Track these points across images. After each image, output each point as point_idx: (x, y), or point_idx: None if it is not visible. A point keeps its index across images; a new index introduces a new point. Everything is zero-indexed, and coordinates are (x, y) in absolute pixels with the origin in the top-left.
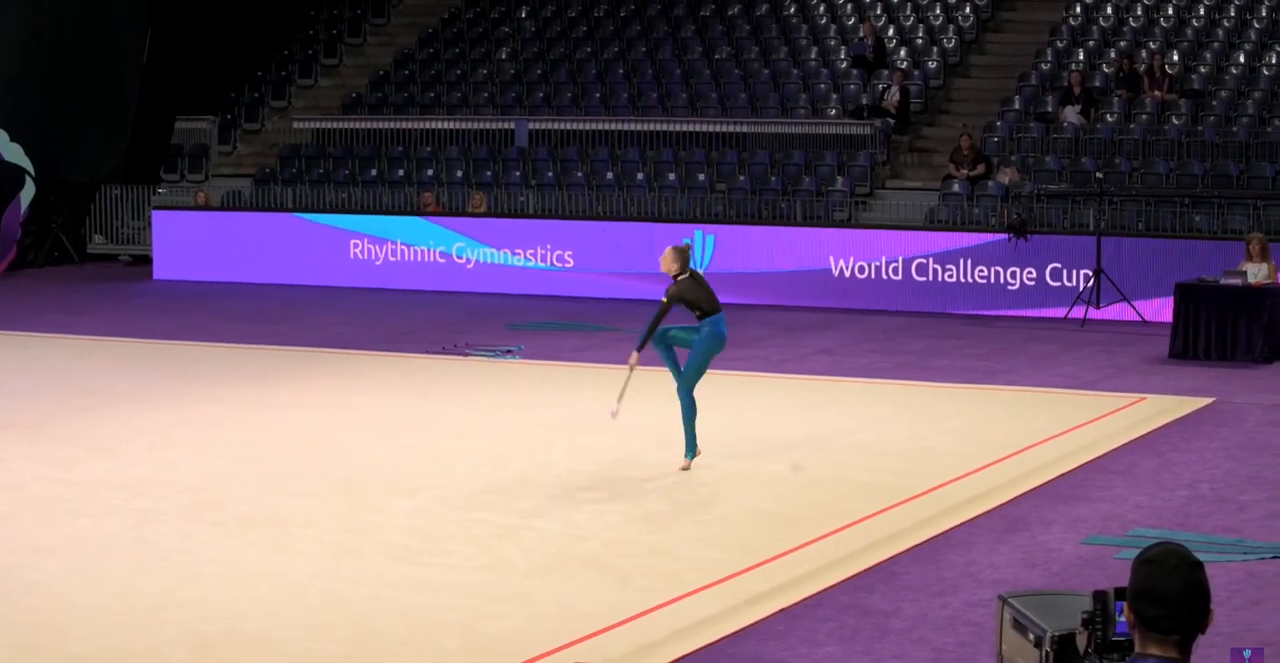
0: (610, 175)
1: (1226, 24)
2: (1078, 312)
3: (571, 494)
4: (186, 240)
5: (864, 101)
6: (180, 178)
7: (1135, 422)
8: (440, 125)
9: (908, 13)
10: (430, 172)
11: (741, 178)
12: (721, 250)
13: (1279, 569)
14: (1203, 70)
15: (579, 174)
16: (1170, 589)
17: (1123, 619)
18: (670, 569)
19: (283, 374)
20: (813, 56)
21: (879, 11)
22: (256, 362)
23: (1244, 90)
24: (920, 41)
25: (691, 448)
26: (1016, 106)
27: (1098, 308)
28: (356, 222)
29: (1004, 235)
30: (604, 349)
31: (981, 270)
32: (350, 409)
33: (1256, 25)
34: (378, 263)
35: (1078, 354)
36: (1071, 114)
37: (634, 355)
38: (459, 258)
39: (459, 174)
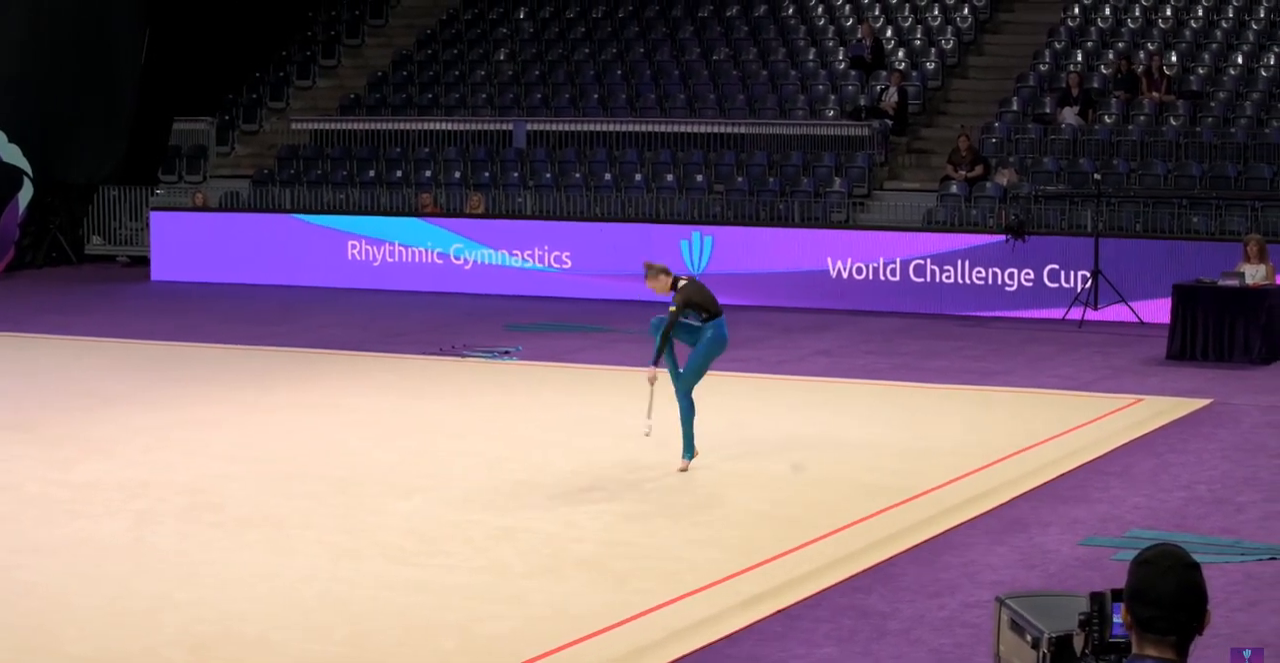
0: (608, 176)
1: (1224, 25)
2: (1075, 313)
3: (569, 496)
4: (184, 241)
5: (862, 103)
6: (178, 179)
7: (1133, 423)
8: (438, 126)
9: (906, 14)
10: (428, 173)
11: (739, 179)
12: (719, 251)
13: (1276, 570)
14: (1201, 72)
15: (577, 175)
16: (1166, 590)
17: (1119, 621)
18: (667, 570)
19: (280, 375)
20: (811, 58)
21: (877, 13)
22: (254, 363)
23: (1242, 91)
24: (918, 43)
25: (689, 449)
26: (1014, 108)
27: (1095, 309)
28: (354, 222)
29: (1002, 236)
30: (602, 350)
31: (979, 271)
32: (348, 410)
33: (1254, 27)
34: (375, 264)
35: (1075, 355)
36: (1069, 115)
37: (651, 370)
38: (457, 259)
39: (457, 175)
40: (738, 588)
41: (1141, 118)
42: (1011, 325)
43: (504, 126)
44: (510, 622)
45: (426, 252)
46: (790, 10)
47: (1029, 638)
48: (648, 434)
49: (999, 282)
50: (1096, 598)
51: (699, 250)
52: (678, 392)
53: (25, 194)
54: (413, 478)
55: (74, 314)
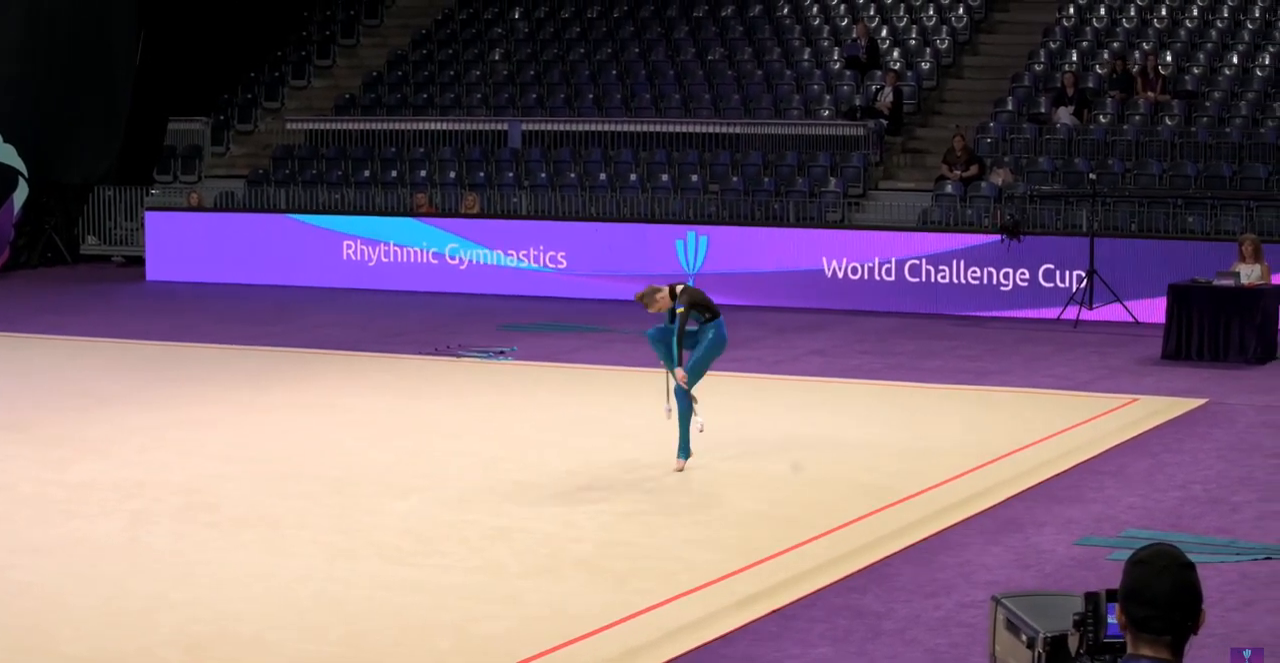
0: (603, 176)
1: (1220, 25)
2: (1071, 313)
3: (565, 495)
4: (179, 241)
5: (857, 102)
6: (173, 179)
7: (1128, 423)
8: (433, 126)
9: (901, 14)
10: (423, 172)
11: (734, 179)
12: (714, 251)
13: (1271, 570)
14: (1196, 71)
15: (572, 175)
16: (1161, 590)
17: (1114, 620)
18: (664, 570)
19: (276, 375)
20: (806, 57)
21: (872, 12)
22: (249, 363)
23: (1237, 91)
24: (913, 42)
25: (685, 449)
26: (1010, 107)
27: (1090, 309)
28: (349, 222)
29: (997, 236)
30: (597, 350)
31: (974, 271)
32: (343, 410)
33: (1250, 26)
34: (370, 264)
35: (1070, 355)
36: (1065, 115)
37: (679, 373)
38: (452, 259)
39: (452, 175)
40: (734, 588)
41: (1137, 118)
42: (1007, 325)
43: (499, 126)
44: (506, 622)
45: (422, 251)
46: (785, 10)
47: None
48: (669, 415)
49: (994, 281)
50: (1091, 598)
51: (694, 250)
52: (677, 392)
53: (20, 194)
54: (409, 478)
55: (69, 314)
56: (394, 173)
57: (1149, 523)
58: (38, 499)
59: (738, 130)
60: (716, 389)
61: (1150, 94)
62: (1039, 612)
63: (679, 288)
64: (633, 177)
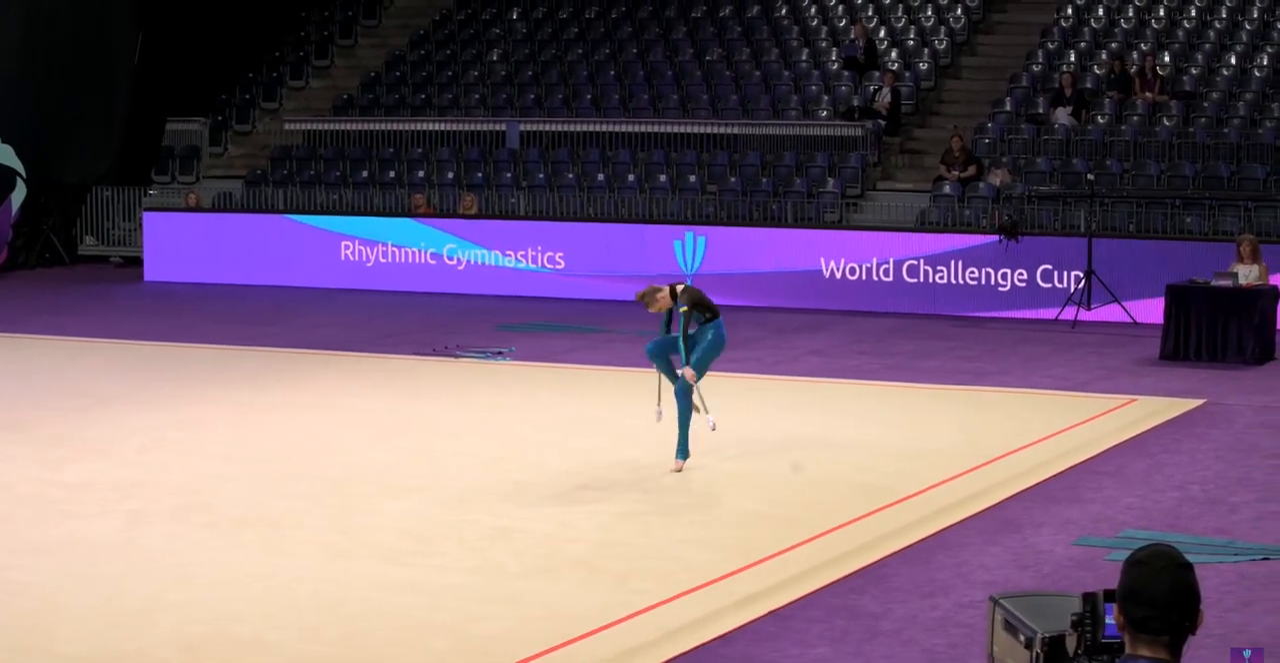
0: (601, 177)
1: (1218, 26)
2: (1069, 313)
3: (564, 496)
4: (177, 242)
5: (855, 103)
6: (171, 179)
7: (1126, 423)
8: (431, 127)
9: (899, 14)
10: (421, 173)
11: (732, 179)
12: (712, 252)
13: (1270, 571)
14: (1194, 72)
15: (570, 175)
16: (1159, 590)
17: (1112, 621)
18: (661, 571)
19: (274, 376)
20: (804, 58)
21: (870, 13)
22: (247, 363)
23: (1235, 92)
24: (911, 43)
25: (683, 450)
26: (1007, 108)
27: (1089, 309)
28: (347, 223)
29: (995, 237)
30: (595, 351)
31: (972, 272)
32: (341, 411)
33: (1248, 27)
34: (369, 264)
35: (1069, 356)
36: (1063, 115)
37: (688, 371)
38: (450, 259)
39: (450, 175)
40: (732, 588)
41: (1135, 118)
42: (1005, 326)
43: (497, 127)
44: (504, 622)
45: (420, 252)
46: (783, 10)
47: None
48: (660, 418)
49: (992, 282)
50: (1089, 599)
51: (692, 251)
52: (677, 392)
53: (18, 195)
54: (407, 478)
55: (67, 315)
56: (392, 173)
57: (1147, 523)
58: (36, 499)
59: (736, 131)
60: (715, 390)
61: (1148, 94)
62: (1037, 612)
63: (679, 288)
64: (631, 177)
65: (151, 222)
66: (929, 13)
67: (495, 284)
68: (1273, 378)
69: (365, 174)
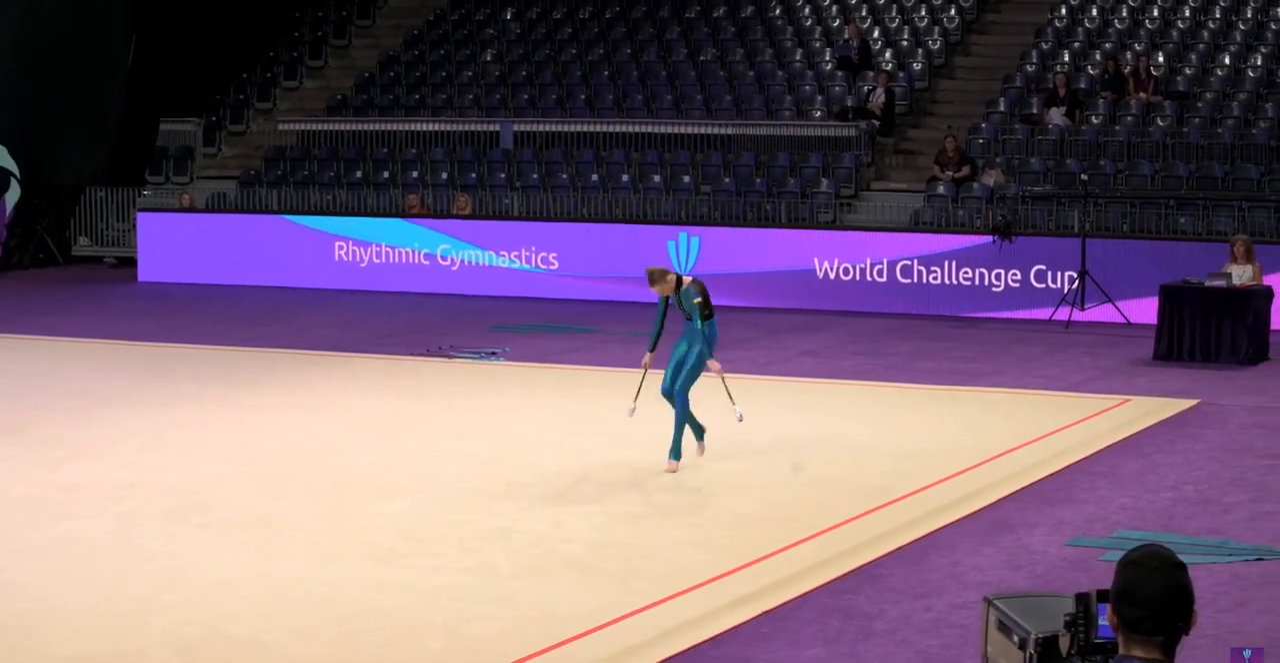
0: (595, 177)
1: (1212, 26)
2: (1062, 313)
3: (559, 496)
4: (171, 242)
5: (849, 103)
6: (165, 180)
7: (1120, 423)
8: (425, 127)
9: (893, 14)
10: (415, 173)
11: (726, 180)
12: (706, 252)
13: (1263, 571)
14: (1188, 72)
15: (564, 176)
16: (1152, 591)
17: (1105, 621)
18: (655, 571)
19: (268, 376)
20: (798, 58)
21: (864, 13)
22: (242, 364)
23: (1229, 92)
24: (905, 43)
25: (676, 451)
26: (1001, 108)
27: (1082, 310)
28: (341, 223)
29: (989, 237)
30: (589, 351)
31: (966, 272)
32: (336, 411)
33: (1242, 27)
34: (362, 265)
35: (1062, 356)
36: (1056, 116)
37: (714, 363)
38: (443, 260)
39: (444, 176)
40: (726, 589)
41: (1128, 118)
42: (999, 326)
43: (491, 127)
44: (498, 623)
45: (413, 252)
46: (777, 11)
47: (1016, 639)
48: (632, 414)
49: (986, 282)
50: (1082, 599)
51: (686, 251)
52: (679, 393)
53: (12, 195)
54: (403, 479)
55: (61, 315)
56: (386, 174)
57: (1141, 524)
58: (31, 500)
59: (730, 131)
60: (712, 390)
61: (1142, 95)
62: (1031, 613)
63: (686, 280)
64: (625, 177)
65: (145, 222)
66: (923, 13)
67: (489, 285)
68: (1266, 378)
69: (359, 174)
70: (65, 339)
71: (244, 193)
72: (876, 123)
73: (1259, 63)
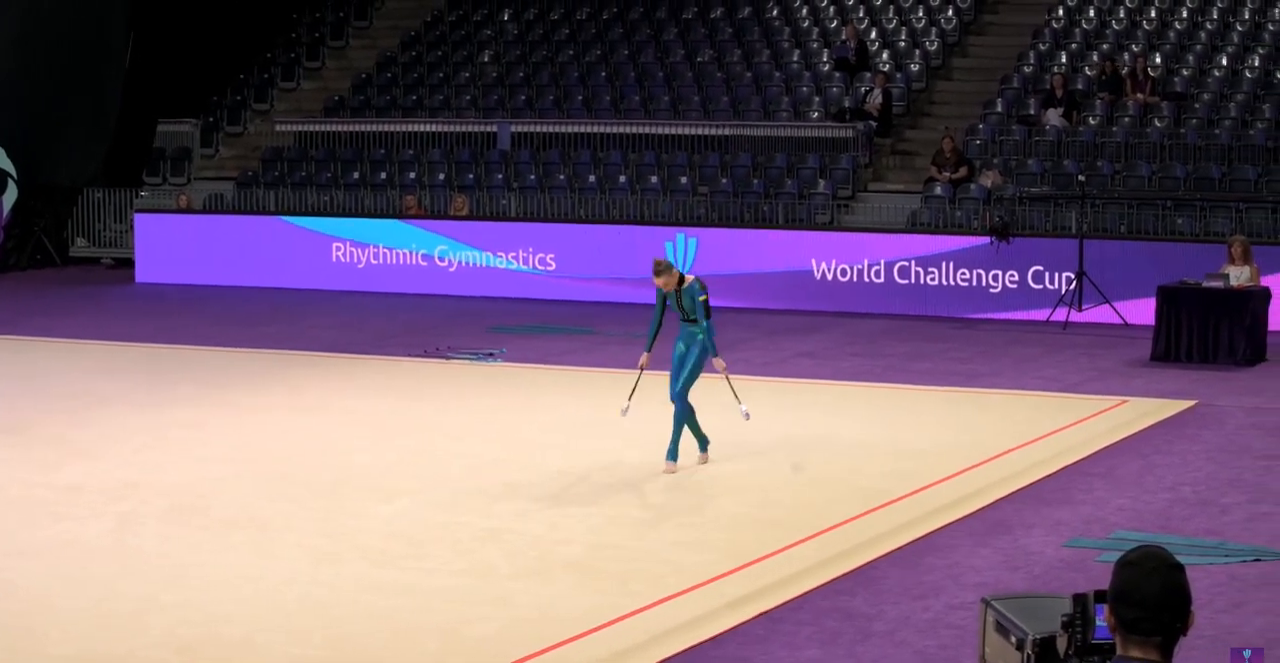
0: (592, 178)
1: (1209, 27)
2: (1060, 314)
3: (556, 498)
4: (169, 243)
5: (846, 104)
6: (162, 181)
7: (1117, 424)
8: (422, 128)
9: (890, 15)
10: (412, 174)
11: (724, 180)
12: (703, 253)
13: (1260, 572)
14: (1185, 73)
15: (561, 177)
16: (1150, 592)
17: (1103, 622)
18: (652, 573)
19: (265, 378)
20: (795, 59)
21: (861, 14)
22: (239, 365)
23: (1226, 93)
24: (903, 44)
25: (674, 452)
26: (999, 109)
27: (1080, 311)
28: (338, 224)
29: (986, 238)
30: (587, 353)
31: (964, 273)
32: (333, 412)
33: (1239, 28)
34: (360, 266)
35: (1060, 357)
36: (1054, 117)
37: (719, 361)
38: (441, 261)
39: (441, 177)
40: (722, 590)
41: (1126, 119)
42: (996, 327)
43: (488, 128)
44: (495, 624)
45: (411, 253)
46: (774, 12)
47: (1014, 639)
48: (624, 414)
49: (984, 283)
50: (1079, 600)
51: (683, 252)
52: (681, 394)
53: (9, 196)
54: (400, 480)
55: (58, 316)
56: (383, 175)
57: (1138, 525)
58: (27, 501)
59: (727, 132)
60: (705, 392)
61: (1139, 96)
62: (1028, 614)
63: (689, 278)
64: (622, 178)
65: (143, 223)
66: (920, 14)
67: (486, 285)
68: (1264, 379)
69: (356, 175)
70: (63, 340)
71: (241, 194)
72: (874, 124)
73: (1256, 64)
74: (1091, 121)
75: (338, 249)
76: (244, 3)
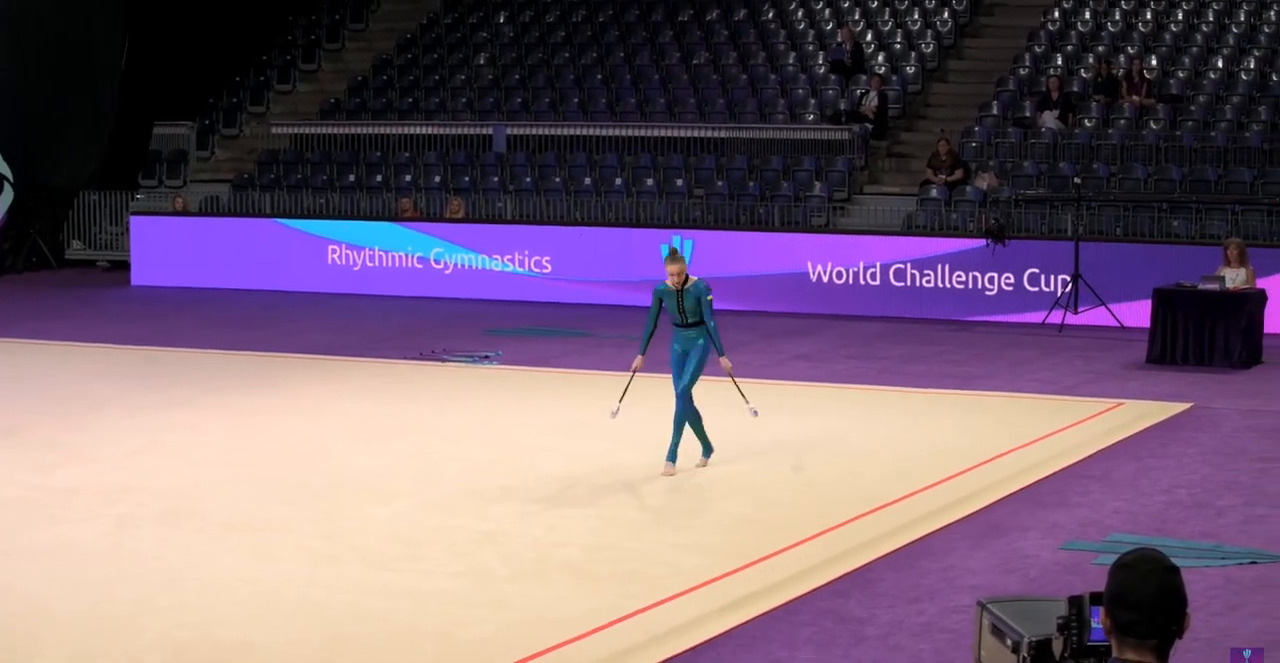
0: (588, 180)
1: (1205, 29)
2: (1056, 317)
3: (553, 500)
4: (164, 246)
5: (842, 107)
6: (158, 183)
7: (1113, 427)
8: (418, 131)
9: (886, 18)
10: (408, 177)
11: (719, 183)
12: (699, 256)
13: (1257, 574)
14: (1181, 75)
15: (557, 179)
16: (1145, 594)
17: (1098, 624)
18: (649, 575)
19: (262, 380)
20: (791, 62)
21: (857, 17)
22: (235, 368)
23: (1222, 95)
24: (898, 46)
25: (674, 454)
26: (994, 112)
27: (1076, 313)
28: (334, 227)
29: (982, 241)
30: (583, 355)
31: (959, 276)
32: (329, 415)
33: (1234, 30)
34: (356, 268)
35: (1056, 359)
36: (1049, 119)
37: (725, 361)
38: (437, 263)
39: (437, 179)
40: (719, 592)
41: (1121, 121)
42: (992, 330)
43: (484, 131)
44: (492, 626)
45: (406, 256)
46: (770, 14)
47: (1009, 642)
48: (615, 415)
49: (979, 286)
50: (1074, 602)
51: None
52: (681, 396)
53: (5, 199)
54: (396, 483)
55: (54, 319)
56: (379, 177)
57: (1134, 527)
58: (24, 504)
59: (723, 134)
60: (701, 395)
61: (1135, 98)
62: (1024, 617)
63: (692, 278)
64: (618, 181)
65: (138, 226)
66: (916, 16)
67: (482, 288)
68: (1260, 382)
69: (352, 178)
70: (58, 343)
71: (237, 196)
72: (869, 126)
73: (1252, 66)
74: (1087, 124)
75: (333, 252)
76: (240, 5)
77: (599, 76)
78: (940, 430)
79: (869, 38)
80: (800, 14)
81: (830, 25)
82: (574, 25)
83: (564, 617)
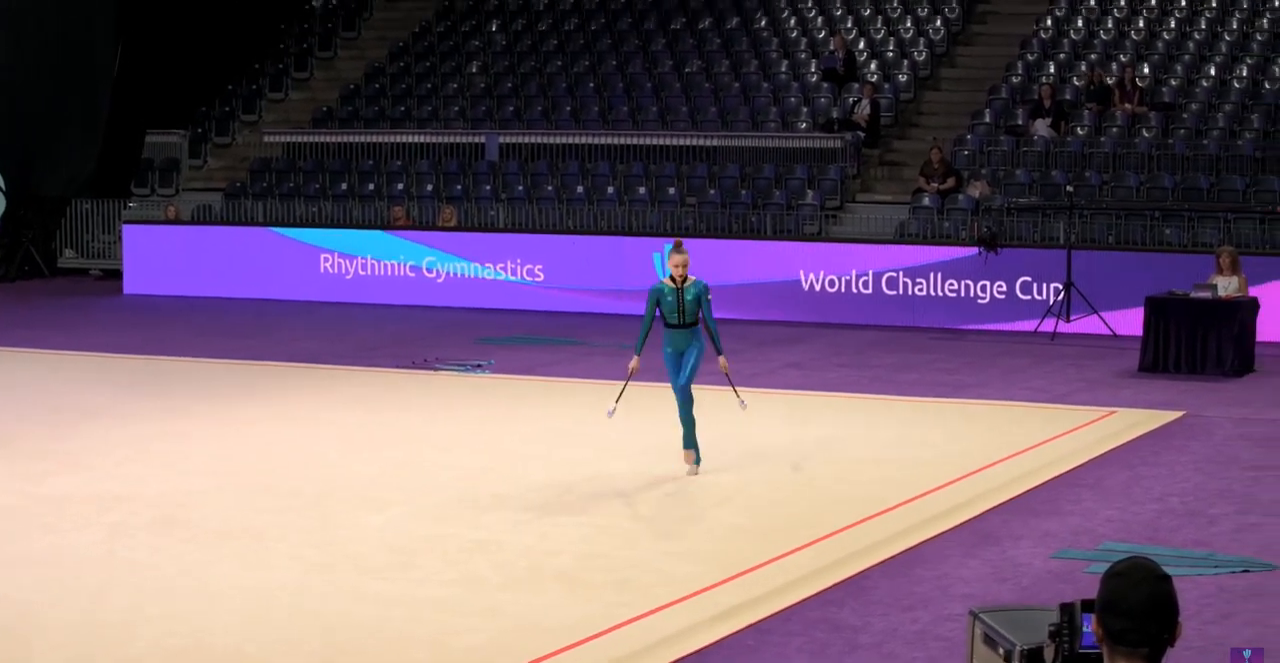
0: (580, 189)
1: (1197, 37)
2: (1048, 325)
3: (545, 508)
4: (157, 255)
5: (834, 115)
6: (151, 192)
7: (1105, 435)
8: (411, 139)
9: (878, 26)
10: (400, 185)
11: (711, 191)
12: (692, 264)
13: (1249, 583)
14: (1173, 83)
15: (549, 188)
16: (1137, 602)
17: (1089, 631)
18: (641, 584)
19: (254, 389)
20: (783, 70)
21: (849, 25)
22: (228, 376)
23: (1214, 103)
24: (891, 55)
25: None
26: (987, 120)
27: (1068, 321)
28: (326, 236)
29: (974, 249)
30: (575, 364)
31: (952, 284)
32: (321, 423)
33: (1227, 38)
34: (348, 277)
35: (1048, 368)
36: (1042, 127)
37: (722, 360)
38: (429, 272)
39: (429, 188)
40: (712, 601)
41: (1114, 129)
42: (984, 338)
43: (476, 139)
44: (484, 634)
45: (399, 265)
46: (763, 22)
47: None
48: (611, 416)
49: (972, 294)
50: (1066, 609)
51: None
52: (682, 393)
53: None
54: (388, 491)
55: (47, 328)
56: (371, 186)
57: (1126, 536)
58: (15, 513)
59: (715, 143)
60: (700, 399)
61: (1127, 106)
62: (1016, 626)
63: (691, 277)
64: (610, 189)
65: (131, 234)
66: (908, 24)
67: (474, 297)
68: (1252, 390)
69: (344, 187)
70: (50, 352)
71: (229, 205)
72: (862, 134)
73: (1244, 74)
74: (1080, 132)
75: (326, 260)
76: (232, 14)
77: (591, 85)
78: (932, 439)
79: (861, 46)
80: (793, 22)
81: (823, 33)
82: (566, 34)
83: (557, 625)
